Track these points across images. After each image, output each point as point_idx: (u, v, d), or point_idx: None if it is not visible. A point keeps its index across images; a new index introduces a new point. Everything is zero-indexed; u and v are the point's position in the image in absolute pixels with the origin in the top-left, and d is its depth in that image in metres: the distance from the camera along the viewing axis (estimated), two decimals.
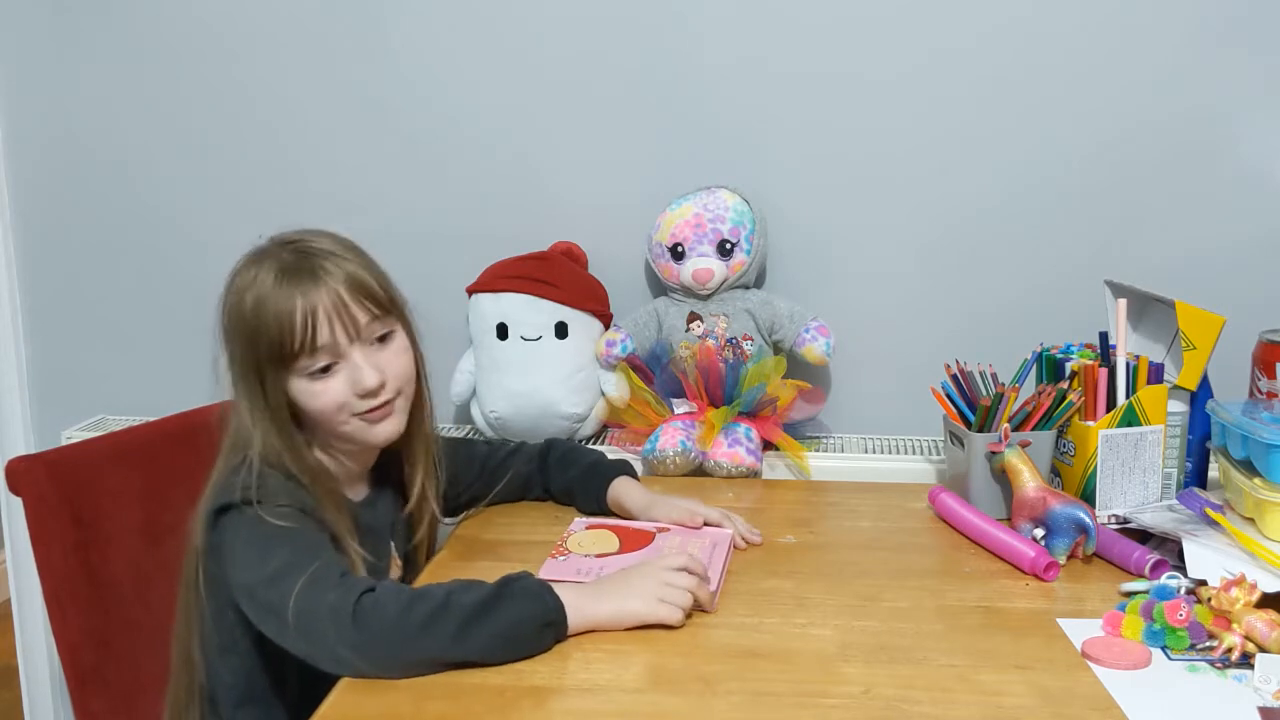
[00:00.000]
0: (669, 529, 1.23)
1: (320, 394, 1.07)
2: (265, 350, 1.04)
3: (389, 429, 1.12)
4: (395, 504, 1.22)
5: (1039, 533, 1.17)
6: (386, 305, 1.10)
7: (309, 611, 0.93)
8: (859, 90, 1.58)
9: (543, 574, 1.10)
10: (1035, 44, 1.55)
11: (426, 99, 1.66)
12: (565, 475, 1.34)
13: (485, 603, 0.94)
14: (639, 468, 1.52)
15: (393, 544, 1.21)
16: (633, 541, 1.20)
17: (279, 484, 1.04)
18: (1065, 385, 1.29)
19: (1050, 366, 1.37)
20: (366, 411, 1.09)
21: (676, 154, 1.63)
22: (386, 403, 1.10)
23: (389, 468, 1.21)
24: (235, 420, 1.10)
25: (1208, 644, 0.96)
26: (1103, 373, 1.27)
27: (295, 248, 1.08)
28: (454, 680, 0.91)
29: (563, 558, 1.16)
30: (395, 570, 1.20)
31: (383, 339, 1.10)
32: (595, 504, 1.30)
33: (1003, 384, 1.32)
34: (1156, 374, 1.27)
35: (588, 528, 1.25)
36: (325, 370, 1.07)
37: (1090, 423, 1.26)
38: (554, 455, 1.37)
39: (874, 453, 1.57)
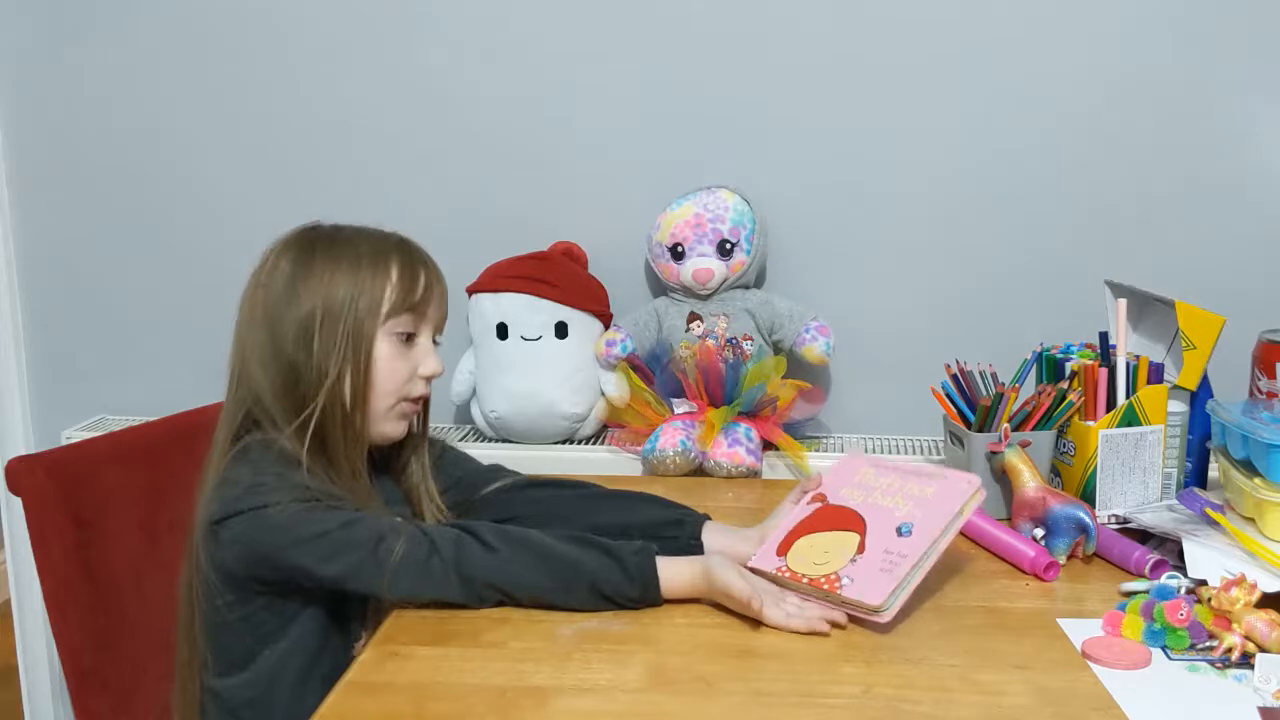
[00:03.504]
0: (823, 494, 1.15)
1: (398, 357, 1.11)
2: (377, 295, 1.08)
3: (404, 428, 1.15)
4: (394, 499, 1.21)
5: (1039, 533, 1.17)
6: (446, 320, 1.19)
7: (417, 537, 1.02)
8: (859, 90, 1.58)
9: (854, 595, 1.01)
10: (1035, 45, 1.55)
11: (426, 99, 1.66)
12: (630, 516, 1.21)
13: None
14: (639, 468, 1.52)
15: None
16: (850, 522, 1.09)
17: (285, 476, 1.04)
18: (1065, 385, 1.29)
19: (1050, 366, 1.37)
20: (414, 399, 1.14)
21: (676, 154, 1.63)
22: (425, 399, 1.16)
23: (384, 462, 1.20)
24: (238, 408, 1.09)
25: (1208, 644, 0.96)
26: (1103, 373, 1.27)
27: (398, 236, 1.14)
28: (454, 680, 0.91)
29: (848, 581, 1.02)
30: None
31: (436, 343, 1.17)
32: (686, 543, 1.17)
33: (1003, 384, 1.32)
34: (1156, 374, 1.27)
35: (781, 552, 1.09)
36: (406, 340, 1.11)
37: (1090, 423, 1.26)
38: (587, 490, 1.26)
39: (874, 453, 1.57)
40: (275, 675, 1.07)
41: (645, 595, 1.02)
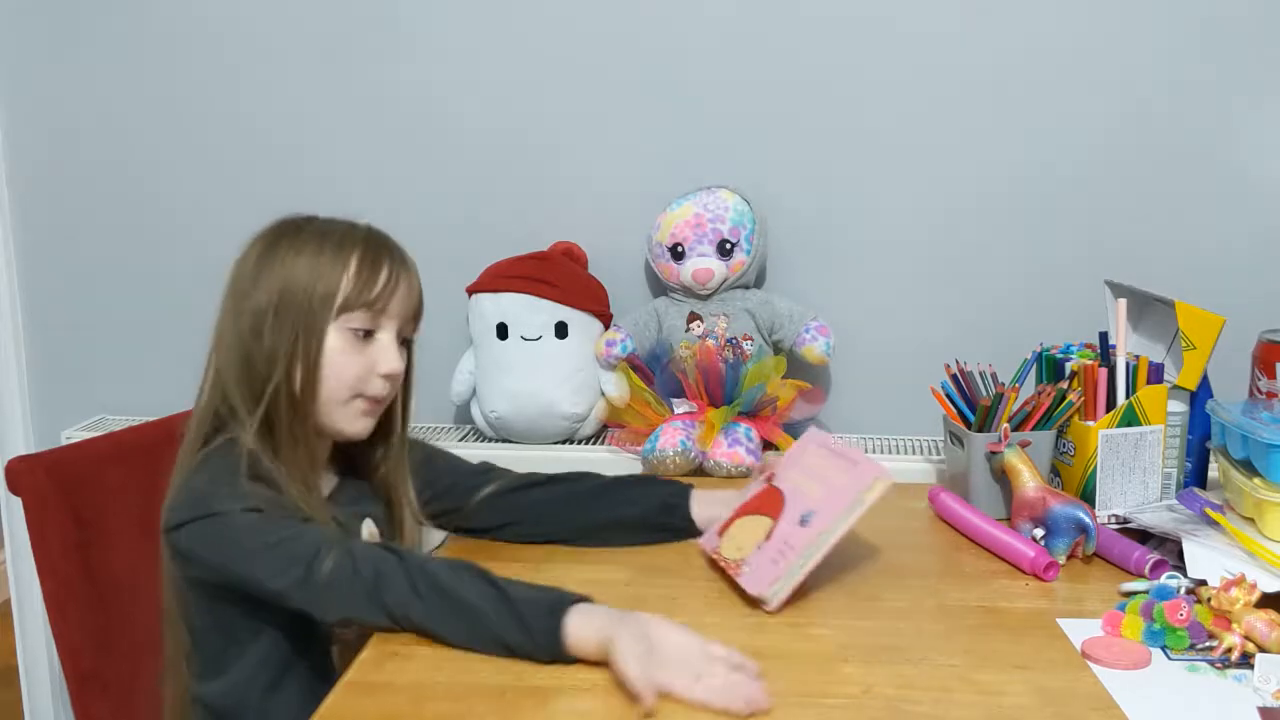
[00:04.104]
0: (773, 474, 1.18)
1: (352, 352, 1.07)
2: (331, 287, 1.05)
3: (366, 426, 1.12)
4: (366, 497, 1.20)
5: (1039, 533, 1.17)
6: (420, 316, 1.15)
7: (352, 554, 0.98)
8: (859, 90, 1.58)
9: (750, 589, 1.05)
10: (1035, 44, 1.55)
11: (426, 98, 1.66)
12: (628, 506, 1.24)
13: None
14: (639, 468, 1.52)
15: (374, 530, 1.19)
16: (772, 506, 1.12)
17: (237, 485, 1.02)
18: (1065, 385, 1.29)
19: (1050, 366, 1.37)
20: (371, 397, 1.10)
21: (676, 154, 1.63)
22: (382, 399, 1.11)
23: (355, 461, 1.19)
24: (210, 404, 1.08)
25: (1208, 644, 0.96)
26: (1103, 373, 1.27)
27: (369, 231, 1.11)
28: (454, 680, 0.91)
29: (744, 565, 1.08)
30: None
31: (405, 343, 1.13)
32: (681, 525, 1.23)
33: (1003, 384, 1.32)
34: (1156, 374, 1.27)
35: (720, 534, 1.15)
36: (364, 336, 1.08)
37: (1090, 423, 1.26)
38: (586, 485, 1.26)
39: (874, 453, 1.57)
40: (249, 684, 1.07)
41: (554, 660, 0.93)
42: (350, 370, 1.07)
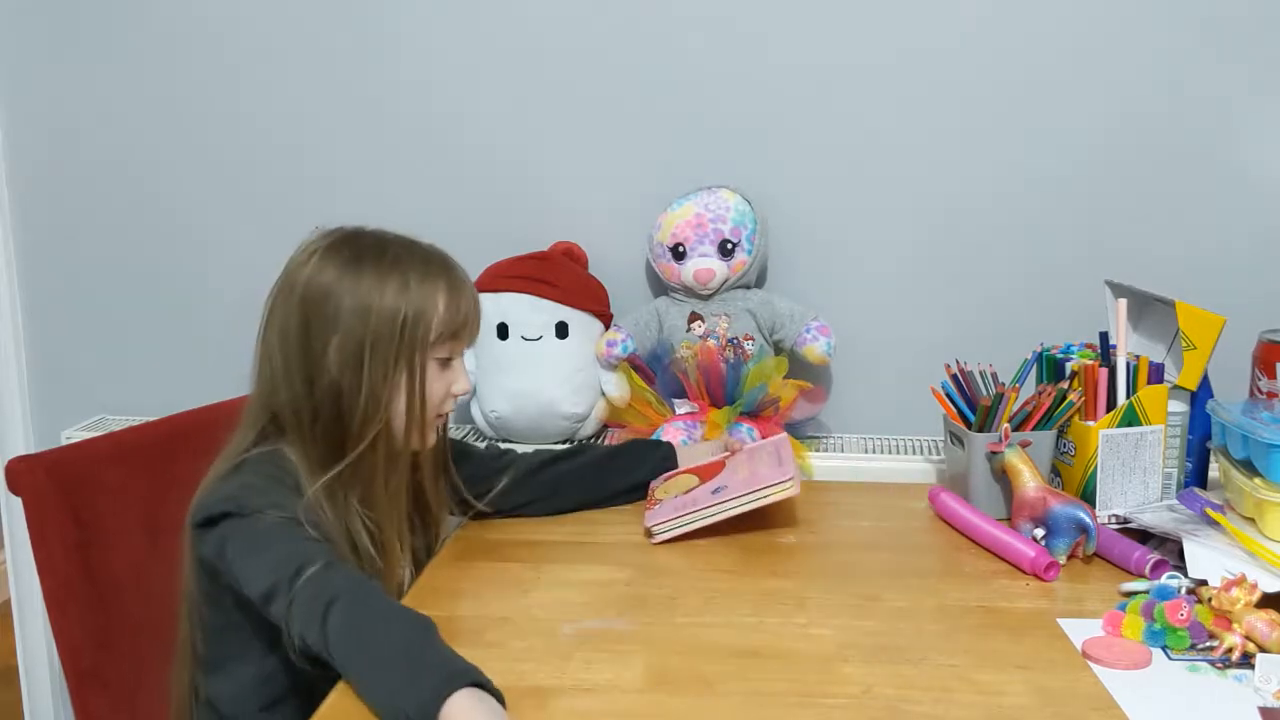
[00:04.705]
0: (731, 453, 1.37)
1: (438, 380, 1.12)
2: (427, 322, 1.08)
3: (433, 439, 1.16)
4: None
5: (1039, 533, 1.17)
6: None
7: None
8: (860, 90, 1.58)
9: (647, 521, 1.25)
10: (1035, 45, 1.55)
11: (427, 99, 1.66)
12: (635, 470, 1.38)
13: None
14: None
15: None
16: (708, 473, 1.32)
17: (269, 493, 1.02)
18: (1065, 385, 1.29)
19: (1050, 366, 1.37)
20: (443, 415, 1.15)
21: (677, 154, 1.63)
22: (448, 413, 1.17)
23: None
24: (263, 412, 1.09)
25: (1208, 644, 0.96)
26: (1103, 373, 1.27)
27: (441, 255, 1.14)
28: None
29: (657, 505, 1.28)
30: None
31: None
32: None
33: (1003, 384, 1.32)
34: (1156, 374, 1.27)
35: (666, 479, 1.35)
36: (445, 362, 1.13)
37: (1090, 423, 1.26)
38: (590, 455, 1.39)
39: (874, 453, 1.57)
40: (248, 696, 1.08)
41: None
42: (436, 397, 1.12)
